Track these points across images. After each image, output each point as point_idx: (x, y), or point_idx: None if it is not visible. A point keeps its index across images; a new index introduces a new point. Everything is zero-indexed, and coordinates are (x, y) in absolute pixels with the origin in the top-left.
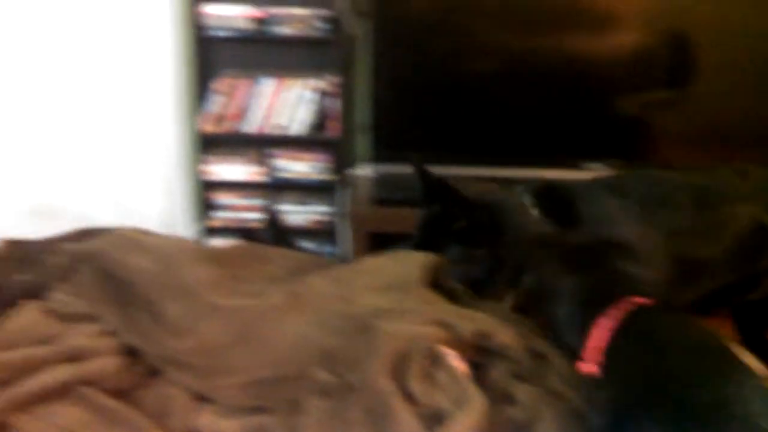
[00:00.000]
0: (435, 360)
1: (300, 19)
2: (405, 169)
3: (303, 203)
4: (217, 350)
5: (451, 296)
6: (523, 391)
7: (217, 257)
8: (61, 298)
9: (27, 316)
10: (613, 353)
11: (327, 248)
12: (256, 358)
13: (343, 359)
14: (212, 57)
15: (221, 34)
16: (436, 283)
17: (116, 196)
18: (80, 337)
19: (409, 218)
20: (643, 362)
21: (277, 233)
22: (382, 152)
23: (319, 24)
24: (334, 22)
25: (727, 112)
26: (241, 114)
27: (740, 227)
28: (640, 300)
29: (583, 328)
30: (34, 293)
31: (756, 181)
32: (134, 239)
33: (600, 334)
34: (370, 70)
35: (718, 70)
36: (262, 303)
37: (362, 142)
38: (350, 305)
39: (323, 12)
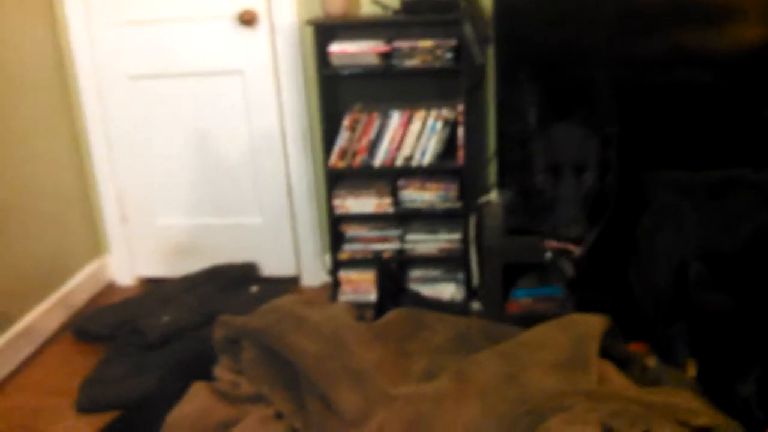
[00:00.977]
0: None
1: (425, 51)
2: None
3: (432, 232)
4: None
5: (621, 361)
6: None
7: (381, 332)
8: (228, 377)
9: (200, 400)
10: None
11: (457, 275)
12: None
13: None
14: (341, 94)
15: (349, 71)
16: (608, 348)
17: (250, 229)
18: (254, 423)
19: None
20: None
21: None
22: (508, 179)
23: (444, 54)
24: (459, 51)
25: None
26: (370, 147)
27: None
28: None
29: None
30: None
31: None
32: (297, 316)
33: None
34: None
35: None
36: (433, 390)
37: (493, 170)
38: (520, 389)
39: (449, 42)
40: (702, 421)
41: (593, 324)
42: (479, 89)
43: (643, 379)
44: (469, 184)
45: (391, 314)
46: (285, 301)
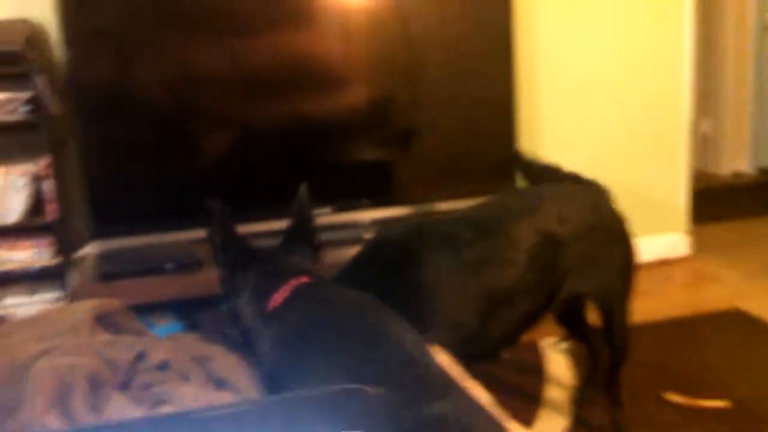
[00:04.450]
0: (100, 393)
1: None
2: (128, 242)
3: (31, 293)
4: None
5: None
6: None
7: None
8: None
9: None
10: (281, 309)
11: None
12: None
13: (8, 408)
14: None
15: None
16: (115, 324)
17: None
18: None
19: (134, 290)
20: (306, 311)
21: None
22: (102, 228)
23: (20, 107)
24: (36, 103)
25: (452, 148)
26: None
27: (530, 243)
28: (303, 279)
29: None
30: None
31: (530, 197)
32: None
33: (275, 299)
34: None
35: (441, 110)
36: None
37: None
38: (15, 354)
39: (22, 95)
40: (157, 355)
41: (93, 302)
42: (64, 140)
43: None
44: (65, 239)
45: None
46: None
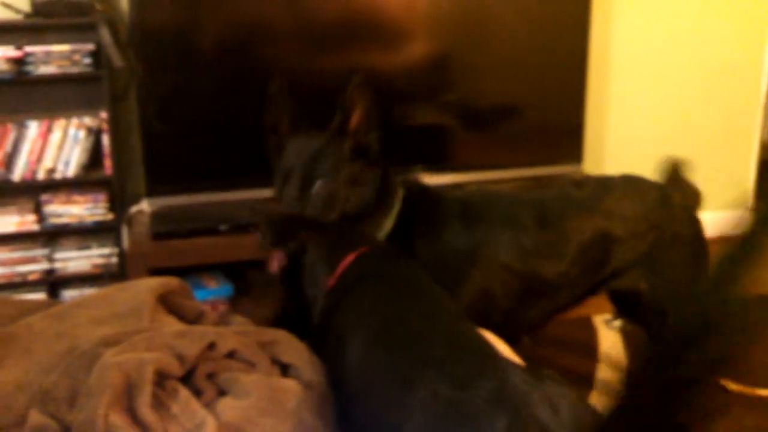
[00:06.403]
0: (165, 386)
1: (62, 56)
2: (183, 201)
3: (83, 248)
4: None
5: (191, 316)
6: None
7: None
8: None
9: None
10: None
11: None
12: None
13: (66, 398)
14: None
15: None
16: (175, 306)
17: None
18: None
19: (186, 250)
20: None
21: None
22: (156, 186)
23: (82, 59)
24: (98, 56)
25: (515, 116)
26: (7, 161)
27: (583, 239)
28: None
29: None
30: None
31: (592, 190)
32: None
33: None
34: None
35: (506, 76)
36: None
37: (140, 178)
38: (73, 340)
39: (86, 47)
40: (226, 346)
41: (153, 282)
42: (123, 95)
43: None
44: (119, 195)
45: None
46: None
